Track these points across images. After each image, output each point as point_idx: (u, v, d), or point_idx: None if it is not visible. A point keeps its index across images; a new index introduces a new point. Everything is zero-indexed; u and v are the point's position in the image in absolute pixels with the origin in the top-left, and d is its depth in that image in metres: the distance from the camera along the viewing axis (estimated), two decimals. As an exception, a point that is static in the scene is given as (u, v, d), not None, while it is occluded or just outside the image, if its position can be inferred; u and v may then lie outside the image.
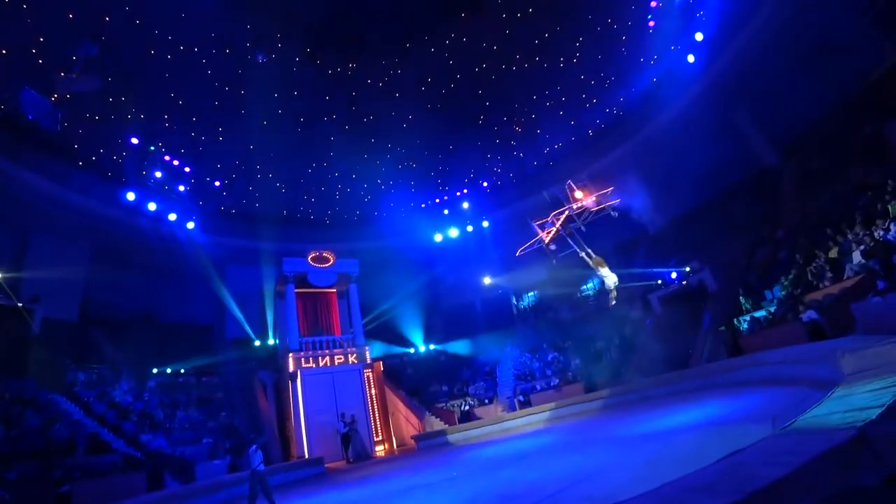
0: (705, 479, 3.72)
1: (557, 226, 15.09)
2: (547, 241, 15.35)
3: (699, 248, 21.66)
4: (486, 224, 30.97)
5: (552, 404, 20.01)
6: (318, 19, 21.97)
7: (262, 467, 9.59)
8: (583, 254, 14.88)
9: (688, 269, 21.16)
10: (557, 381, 22.44)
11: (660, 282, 22.43)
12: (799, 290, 14.56)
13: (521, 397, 22.34)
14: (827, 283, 13.53)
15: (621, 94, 24.46)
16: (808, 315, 13.14)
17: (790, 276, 15.14)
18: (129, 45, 18.43)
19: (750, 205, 20.65)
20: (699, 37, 18.87)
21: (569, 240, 15.20)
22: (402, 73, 25.83)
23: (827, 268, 13.73)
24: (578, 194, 15.13)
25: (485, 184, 31.87)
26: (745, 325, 16.15)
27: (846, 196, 15.19)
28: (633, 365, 20.01)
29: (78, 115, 18.52)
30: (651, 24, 19.50)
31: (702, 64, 20.19)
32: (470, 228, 30.85)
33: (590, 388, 20.88)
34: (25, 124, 17.20)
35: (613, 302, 15.34)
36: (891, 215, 12.50)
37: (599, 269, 14.66)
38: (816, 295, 13.51)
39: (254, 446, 9.77)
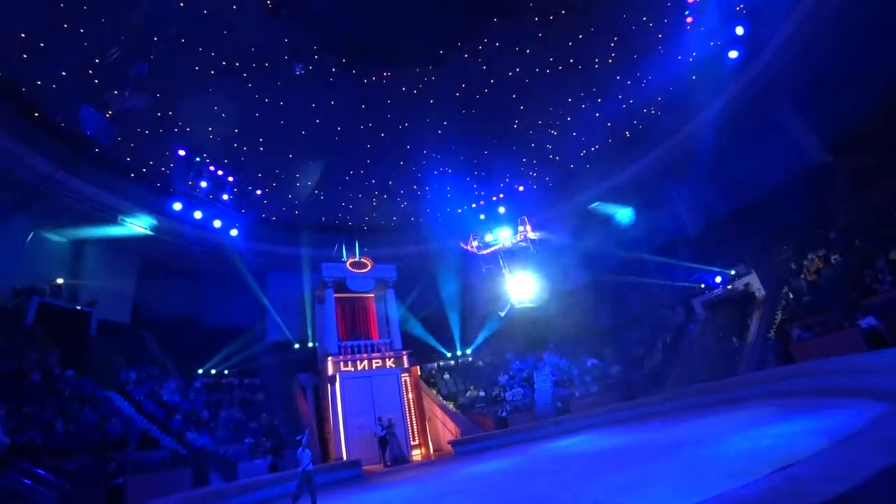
0: (754, 492, 3.57)
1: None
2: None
3: (745, 252, 20.82)
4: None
5: (591, 411, 19.59)
6: (352, 31, 22.45)
7: (310, 466, 9.83)
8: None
9: (733, 272, 20.32)
10: (597, 387, 21.98)
11: (703, 286, 21.65)
12: (855, 295, 13.75)
13: (559, 404, 22.00)
14: (887, 288, 12.74)
15: (659, 93, 23.83)
16: (867, 321, 12.44)
17: (845, 281, 14.32)
18: (175, 63, 19.35)
19: (798, 205, 19.63)
20: (739, 31, 18.14)
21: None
22: (435, 80, 26.04)
23: (887, 270, 12.92)
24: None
25: (521, 188, 31.68)
26: (797, 332, 15.37)
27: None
28: (676, 372, 19.38)
29: (130, 130, 19.58)
30: (689, 20, 18.91)
31: (743, 59, 19.44)
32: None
33: (630, 396, 20.37)
34: (84, 140, 18.30)
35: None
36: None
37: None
38: (875, 300, 12.76)
39: (302, 445, 9.97)
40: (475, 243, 20.44)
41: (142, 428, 16.10)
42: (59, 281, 20.01)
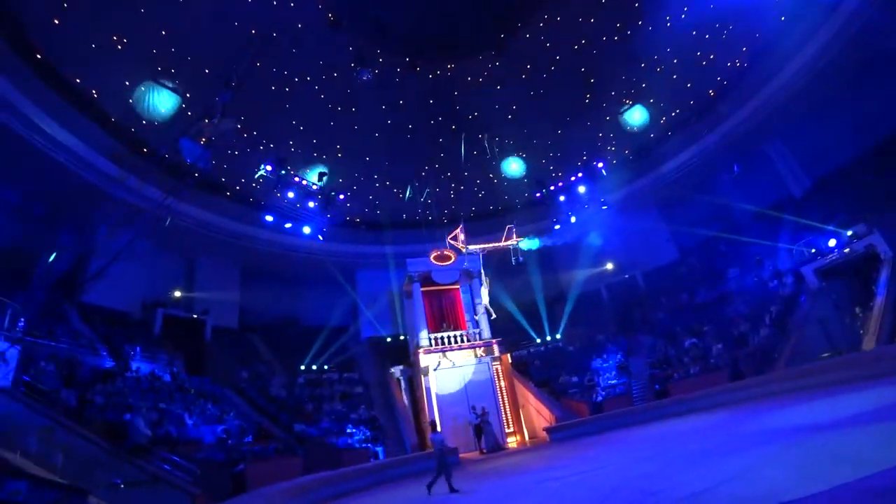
0: (887, 483, 3.21)
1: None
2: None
3: (865, 208, 18.35)
4: (604, 207, 29.53)
5: (692, 394, 18.47)
6: (410, 30, 22.74)
7: (447, 445, 10.64)
8: None
9: (850, 233, 18.00)
10: (697, 368, 20.63)
11: (814, 251, 19.45)
12: None
13: (657, 386, 20.99)
14: None
15: (744, 43, 21.66)
16: None
17: None
18: (254, 86, 20.80)
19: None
20: None
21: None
22: (500, 66, 25.69)
23: None
24: None
25: (600, 164, 30.36)
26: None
27: None
28: (788, 350, 17.64)
29: (222, 152, 21.43)
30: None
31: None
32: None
33: (735, 377, 18.86)
34: (185, 168, 20.35)
35: None
36: None
37: None
38: None
39: (438, 433, 11.03)
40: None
41: (256, 420, 17.76)
42: (178, 293, 22.61)
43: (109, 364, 16.71)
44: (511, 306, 28.85)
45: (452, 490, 10.26)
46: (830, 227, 18.91)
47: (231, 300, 24.41)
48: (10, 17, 16.08)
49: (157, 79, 17.49)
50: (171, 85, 17.66)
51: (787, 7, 19.57)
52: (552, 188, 30.51)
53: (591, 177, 29.27)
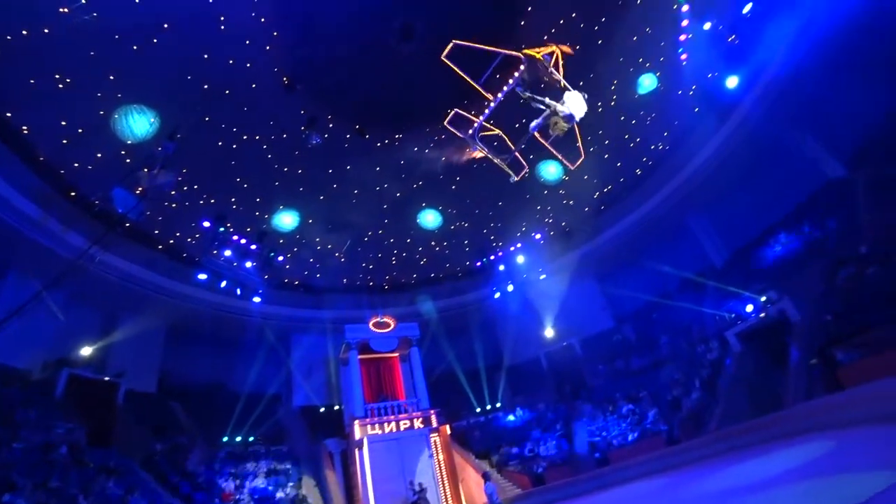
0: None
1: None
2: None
3: (774, 277, 20.03)
4: (542, 277, 30.52)
5: (631, 461, 18.40)
6: (363, 98, 23.79)
7: None
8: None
9: (764, 298, 19.43)
10: (636, 435, 20.72)
11: (734, 316, 20.73)
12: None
13: (597, 455, 20.74)
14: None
15: (665, 128, 24.20)
16: (918, 335, 11.63)
17: (885, 294, 13.54)
18: (200, 140, 20.71)
19: (822, 223, 19.09)
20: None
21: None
22: (445, 139, 27.03)
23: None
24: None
25: (538, 236, 31.80)
26: (842, 356, 14.38)
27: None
28: (719, 411, 18.15)
29: (159, 205, 20.71)
30: (683, 57, 19.51)
31: (744, 86, 19.85)
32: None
33: (671, 442, 19.11)
34: (116, 217, 19.43)
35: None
36: None
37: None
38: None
39: None
40: None
41: (166, 502, 15.75)
42: (89, 351, 20.55)
43: (-7, 431, 14.62)
44: (456, 369, 28.43)
45: None
46: (748, 294, 20.34)
47: (152, 361, 22.41)
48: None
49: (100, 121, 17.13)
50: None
51: (699, 101, 22.26)
52: (492, 257, 31.56)
53: (530, 247, 30.61)
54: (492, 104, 11.13)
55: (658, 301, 26.87)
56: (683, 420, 19.34)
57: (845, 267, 15.79)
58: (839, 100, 18.81)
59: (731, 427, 16.56)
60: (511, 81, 10.41)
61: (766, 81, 19.81)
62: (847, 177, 19.27)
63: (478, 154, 12.24)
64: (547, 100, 10.09)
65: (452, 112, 11.63)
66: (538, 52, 9.91)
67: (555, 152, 11.85)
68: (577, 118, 9.91)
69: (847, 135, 19.49)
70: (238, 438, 22.74)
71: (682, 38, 18.81)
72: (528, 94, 10.20)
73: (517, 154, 11.74)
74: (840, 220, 18.27)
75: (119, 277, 20.79)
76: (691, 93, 21.78)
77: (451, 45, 10.02)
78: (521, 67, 10.14)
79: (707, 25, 18.31)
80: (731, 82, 19.78)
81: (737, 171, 22.90)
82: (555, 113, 9.87)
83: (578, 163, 11.92)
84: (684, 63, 19.58)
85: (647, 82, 21.14)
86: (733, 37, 18.68)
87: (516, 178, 12.17)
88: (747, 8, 18.30)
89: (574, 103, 9.98)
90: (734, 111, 21.49)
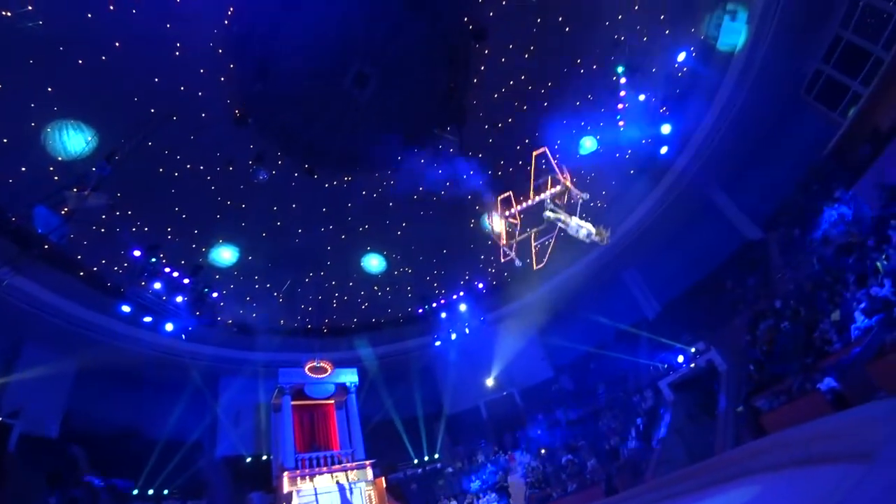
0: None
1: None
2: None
3: (701, 329, 21.37)
4: (482, 320, 30.70)
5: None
6: (314, 138, 23.88)
7: None
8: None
9: (693, 350, 20.59)
10: (575, 485, 20.63)
11: (666, 366, 21.71)
12: (811, 360, 14.10)
13: (536, 507, 20.37)
14: (838, 347, 13.18)
15: (602, 188, 25.87)
16: (827, 383, 12.60)
17: (797, 346, 14.77)
18: (139, 165, 19.74)
19: (742, 280, 20.93)
20: (666, 129, 20.87)
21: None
22: (395, 185, 27.40)
23: (833, 330, 13.47)
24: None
25: (480, 285, 32.27)
26: (764, 403, 15.30)
27: (833, 260, 15.48)
28: (654, 461, 18.55)
29: (85, 229, 19.24)
30: (621, 124, 21.33)
31: (673, 153, 21.97)
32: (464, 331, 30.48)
33: (610, 492, 19.17)
34: (34, 238, 17.77)
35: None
36: (881, 272, 12.61)
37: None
38: (830, 360, 13.09)
39: None
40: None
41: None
42: (-21, 387, 18.02)
43: None
44: (394, 418, 27.46)
45: None
46: (678, 346, 21.47)
47: (56, 401, 19.82)
48: None
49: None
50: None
51: (635, 163, 24.17)
52: (434, 304, 31.55)
53: (472, 296, 30.94)
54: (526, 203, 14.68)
55: (595, 351, 27.69)
56: (621, 469, 19.55)
57: (764, 319, 17.12)
58: (757, 170, 21.36)
59: (667, 475, 16.87)
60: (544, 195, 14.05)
61: (694, 149, 22.12)
62: (763, 238, 21.44)
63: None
64: (572, 219, 13.55)
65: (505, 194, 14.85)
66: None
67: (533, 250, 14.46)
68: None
69: (763, 200, 21.90)
70: (150, 491, 20.36)
71: (620, 106, 20.60)
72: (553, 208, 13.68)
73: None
74: (758, 277, 20.10)
75: (27, 303, 18.71)
76: (627, 156, 23.65)
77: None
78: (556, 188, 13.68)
79: (642, 97, 20.27)
80: (663, 150, 21.83)
81: (667, 230, 24.83)
82: (575, 232, 13.49)
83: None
84: (622, 128, 21.32)
85: (588, 144, 22.76)
86: (664, 108, 20.85)
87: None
88: (677, 87, 20.72)
89: (585, 228, 13.48)
90: (665, 175, 23.60)
